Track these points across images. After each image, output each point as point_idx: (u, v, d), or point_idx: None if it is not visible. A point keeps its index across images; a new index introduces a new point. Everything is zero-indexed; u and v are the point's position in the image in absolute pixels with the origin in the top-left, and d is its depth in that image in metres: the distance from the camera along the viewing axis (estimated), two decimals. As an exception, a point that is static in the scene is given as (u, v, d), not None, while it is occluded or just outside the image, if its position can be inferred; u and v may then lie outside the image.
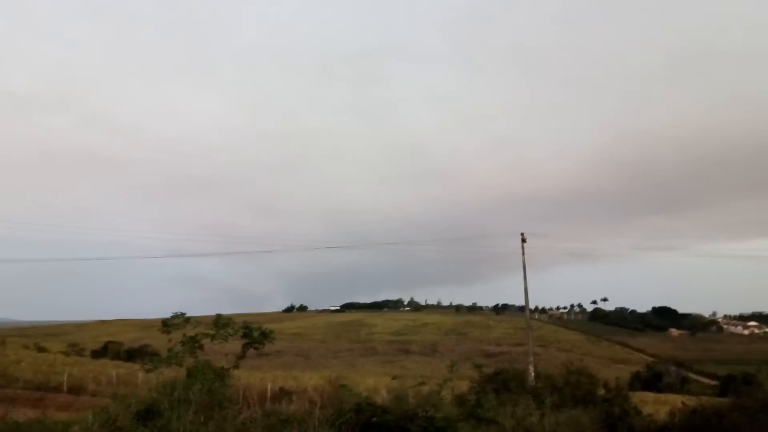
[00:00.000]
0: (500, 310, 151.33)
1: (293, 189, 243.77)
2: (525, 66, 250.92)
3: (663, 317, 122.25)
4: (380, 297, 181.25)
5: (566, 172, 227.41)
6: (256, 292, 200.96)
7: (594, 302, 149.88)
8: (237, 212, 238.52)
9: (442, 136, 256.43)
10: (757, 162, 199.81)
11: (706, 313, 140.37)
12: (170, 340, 8.16)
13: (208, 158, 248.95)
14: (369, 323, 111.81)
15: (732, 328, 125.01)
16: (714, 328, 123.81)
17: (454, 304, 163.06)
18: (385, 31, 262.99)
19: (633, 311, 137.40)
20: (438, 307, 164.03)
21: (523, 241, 65.44)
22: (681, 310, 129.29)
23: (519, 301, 64.58)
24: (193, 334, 8.42)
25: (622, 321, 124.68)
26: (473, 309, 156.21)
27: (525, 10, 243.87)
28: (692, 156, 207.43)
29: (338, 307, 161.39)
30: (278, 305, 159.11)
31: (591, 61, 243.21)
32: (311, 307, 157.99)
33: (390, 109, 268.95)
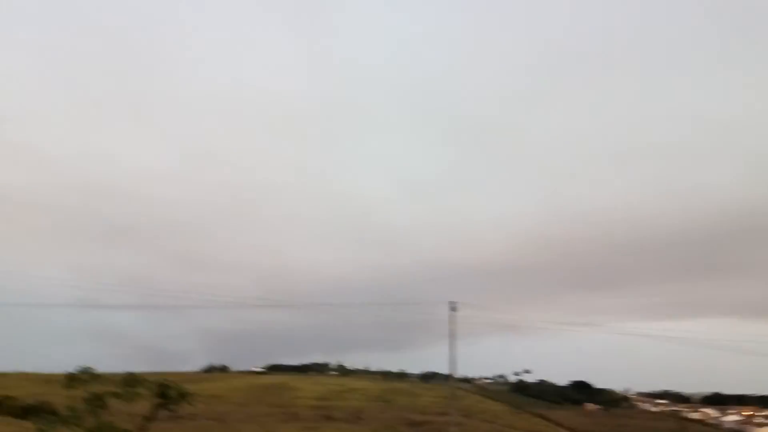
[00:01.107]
0: (428, 377, 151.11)
1: (225, 243, 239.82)
2: (470, 139, 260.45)
3: (580, 391, 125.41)
4: (307, 359, 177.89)
5: (500, 245, 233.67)
6: (175, 349, 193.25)
7: (517, 374, 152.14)
8: (161, 264, 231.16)
9: (384, 202, 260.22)
10: (671, 250, 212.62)
11: (620, 389, 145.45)
12: (73, 397, 7.89)
13: (137, 206, 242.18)
14: (293, 387, 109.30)
15: (643, 405, 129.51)
16: (626, 404, 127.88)
17: (382, 370, 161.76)
18: (337, 94, 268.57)
19: (553, 384, 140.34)
20: (366, 373, 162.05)
21: (453, 309, 67.13)
22: (597, 385, 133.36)
23: (446, 370, 65.37)
24: (98, 391, 8.18)
25: (543, 393, 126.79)
26: (401, 376, 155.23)
27: (476, 85, 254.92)
28: (616, 240, 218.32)
29: (262, 369, 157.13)
30: (198, 364, 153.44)
31: (532, 141, 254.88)
32: (234, 368, 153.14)
33: (336, 171, 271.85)
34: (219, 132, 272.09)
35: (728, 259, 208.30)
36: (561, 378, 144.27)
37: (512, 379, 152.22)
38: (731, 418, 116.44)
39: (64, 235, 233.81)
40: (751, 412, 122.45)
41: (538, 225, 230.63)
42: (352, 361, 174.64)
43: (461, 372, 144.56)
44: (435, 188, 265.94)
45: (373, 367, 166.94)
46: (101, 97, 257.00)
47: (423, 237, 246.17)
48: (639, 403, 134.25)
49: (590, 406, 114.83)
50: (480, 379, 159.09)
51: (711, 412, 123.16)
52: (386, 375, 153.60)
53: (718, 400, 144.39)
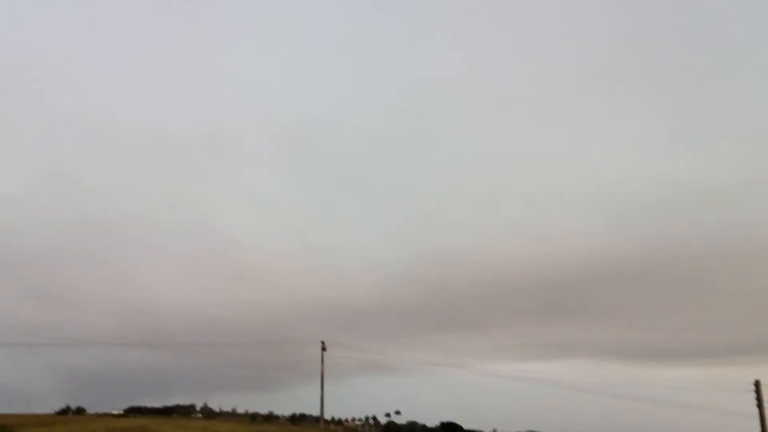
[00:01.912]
0: (297, 419, 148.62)
1: (86, 277, 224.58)
2: (344, 181, 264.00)
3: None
4: (171, 401, 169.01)
5: (373, 284, 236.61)
6: (26, 390, 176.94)
7: (388, 415, 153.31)
8: (16, 297, 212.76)
9: (256, 237, 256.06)
10: (537, 292, 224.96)
11: (487, 429, 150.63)
12: None
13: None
14: (155, 430, 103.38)
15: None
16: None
17: (250, 411, 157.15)
18: (210, 125, 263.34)
19: (423, 425, 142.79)
20: (233, 415, 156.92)
21: (324, 349, 67.18)
22: (466, 425, 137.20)
23: (316, 411, 64.83)
24: None
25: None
26: (269, 418, 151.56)
27: (350, 126, 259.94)
28: (484, 281, 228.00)
29: (122, 411, 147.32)
30: (53, 406, 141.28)
31: (405, 185, 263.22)
32: (91, 410, 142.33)
33: (207, 205, 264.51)
34: (82, 159, 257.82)
35: (590, 303, 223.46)
36: (431, 419, 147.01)
37: (383, 420, 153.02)
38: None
39: None
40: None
41: (409, 267, 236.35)
42: (218, 403, 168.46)
43: (331, 413, 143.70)
44: (307, 226, 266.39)
45: (241, 409, 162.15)
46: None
47: (294, 275, 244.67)
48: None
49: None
50: (350, 420, 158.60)
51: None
52: (254, 417, 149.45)
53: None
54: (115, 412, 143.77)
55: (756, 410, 49.38)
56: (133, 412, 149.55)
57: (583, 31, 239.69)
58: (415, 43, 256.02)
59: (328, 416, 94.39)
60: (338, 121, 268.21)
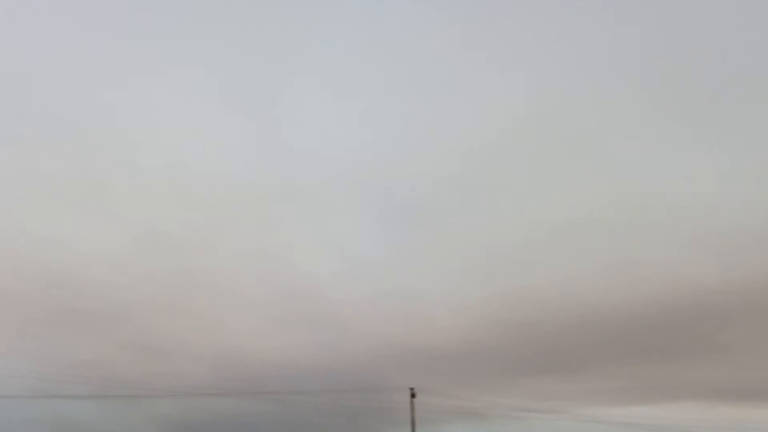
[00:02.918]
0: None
1: (180, 329, 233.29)
2: (424, 225, 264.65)
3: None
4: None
5: (457, 328, 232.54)
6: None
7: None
8: (117, 351, 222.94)
9: (337, 283, 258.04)
10: (631, 330, 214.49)
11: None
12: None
13: (93, 293, 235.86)
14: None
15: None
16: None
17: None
18: (289, 176, 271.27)
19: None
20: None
21: (413, 396, 67.01)
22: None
23: (406, 460, 64.12)
24: None
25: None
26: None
27: (426, 168, 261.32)
28: (574, 320, 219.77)
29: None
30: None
31: (483, 225, 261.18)
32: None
33: (290, 255, 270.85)
34: (172, 213, 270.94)
35: (693, 340, 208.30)
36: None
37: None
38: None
39: (17, 324, 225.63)
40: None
41: (494, 309, 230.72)
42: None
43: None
44: (384, 269, 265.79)
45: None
46: (53, 184, 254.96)
47: (380, 321, 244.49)
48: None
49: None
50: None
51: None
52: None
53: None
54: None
55: None
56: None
57: (659, 61, 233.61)
58: (490, 79, 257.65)
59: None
60: (414, 164, 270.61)
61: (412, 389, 61.85)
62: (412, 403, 60.72)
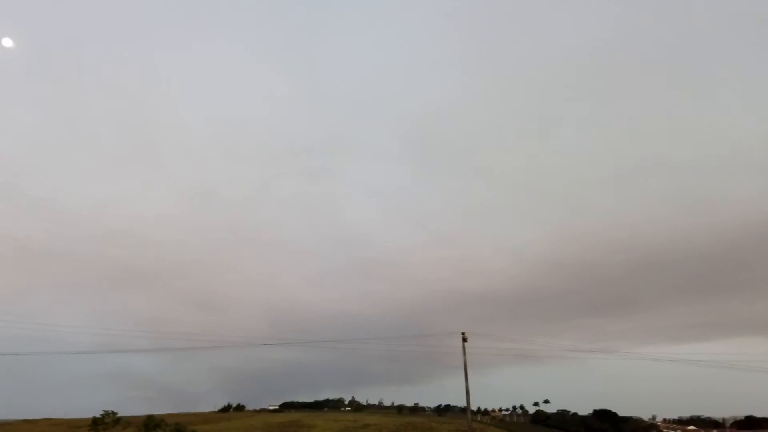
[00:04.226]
0: (443, 411, 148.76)
1: (234, 283, 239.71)
2: (471, 169, 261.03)
3: (604, 420, 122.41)
4: (321, 396, 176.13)
5: (508, 271, 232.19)
6: (191, 390, 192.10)
7: (536, 404, 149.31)
8: (175, 307, 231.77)
9: (386, 232, 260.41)
10: (691, 267, 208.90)
11: (646, 416, 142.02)
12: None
13: (150, 251, 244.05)
14: (308, 424, 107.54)
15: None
16: (654, 431, 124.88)
17: (396, 404, 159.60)
18: (334, 127, 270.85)
19: (574, 414, 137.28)
20: (380, 408, 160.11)
21: (464, 340, 65.99)
22: (621, 413, 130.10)
23: (462, 402, 64.15)
24: None
25: (564, 423, 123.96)
26: (415, 410, 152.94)
27: (473, 113, 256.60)
28: (629, 259, 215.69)
29: (277, 407, 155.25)
30: (215, 404, 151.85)
31: (534, 168, 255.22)
32: (249, 407, 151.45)
33: (336, 203, 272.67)
34: (219, 170, 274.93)
35: (754, 275, 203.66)
36: (582, 407, 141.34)
37: (531, 409, 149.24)
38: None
39: (83, 284, 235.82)
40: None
41: (546, 250, 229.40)
42: (365, 396, 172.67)
43: (477, 404, 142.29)
44: (439, 218, 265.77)
45: (387, 402, 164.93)
46: (112, 148, 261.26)
47: (430, 267, 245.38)
48: (667, 430, 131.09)
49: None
50: (497, 410, 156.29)
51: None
52: (400, 409, 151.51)
53: (751, 424, 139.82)
54: (271, 407, 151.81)
55: None
56: (287, 407, 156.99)
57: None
58: (536, 17, 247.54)
59: (473, 407, 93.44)
60: (461, 110, 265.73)
61: (463, 334, 61.10)
62: (464, 348, 59.99)
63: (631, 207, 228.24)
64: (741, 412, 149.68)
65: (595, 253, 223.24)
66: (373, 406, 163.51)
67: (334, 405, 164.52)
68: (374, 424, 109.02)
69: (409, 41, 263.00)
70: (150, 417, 45.34)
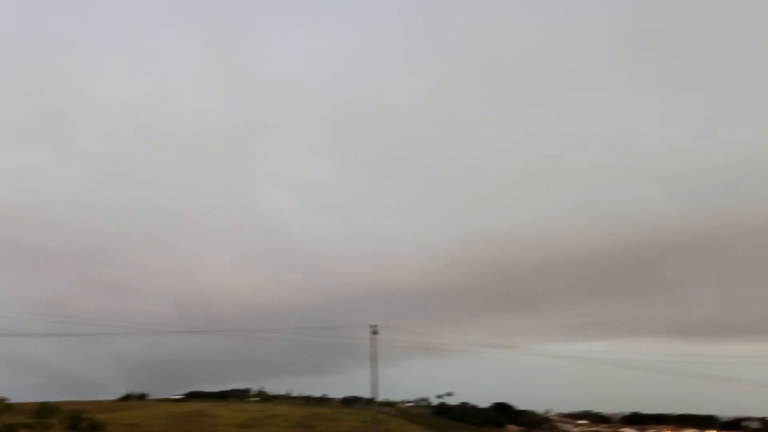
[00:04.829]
0: (350, 402, 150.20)
1: (142, 267, 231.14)
2: (392, 164, 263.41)
3: (502, 413, 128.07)
4: (228, 386, 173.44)
5: (422, 267, 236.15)
6: (92, 377, 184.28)
7: (440, 396, 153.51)
8: (79, 290, 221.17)
9: (304, 222, 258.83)
10: (591, 268, 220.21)
11: (542, 409, 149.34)
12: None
13: (56, 231, 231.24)
14: (213, 414, 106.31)
15: (564, 426, 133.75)
16: (547, 425, 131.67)
17: (304, 395, 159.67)
18: (256, 112, 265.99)
19: (475, 406, 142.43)
20: (288, 398, 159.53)
21: (374, 333, 67.34)
22: (519, 406, 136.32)
23: (369, 393, 65.33)
24: (10, 422, 8.11)
25: (465, 416, 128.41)
26: (323, 400, 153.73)
27: (398, 106, 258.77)
28: (535, 259, 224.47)
29: (182, 396, 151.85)
30: (116, 392, 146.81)
31: (453, 166, 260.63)
32: (152, 396, 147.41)
33: (253, 190, 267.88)
34: (135, 150, 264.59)
35: (648, 279, 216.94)
36: (483, 400, 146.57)
37: (435, 402, 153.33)
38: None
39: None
40: (670, 431, 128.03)
41: (459, 248, 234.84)
42: (273, 387, 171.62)
43: (384, 396, 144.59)
44: (358, 211, 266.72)
45: (295, 393, 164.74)
46: (16, 119, 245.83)
47: (346, 260, 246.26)
48: (560, 424, 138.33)
49: (512, 428, 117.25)
50: (402, 402, 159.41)
51: (630, 431, 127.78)
52: (308, 400, 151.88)
53: (637, 420, 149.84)
54: (175, 397, 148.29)
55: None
56: (192, 396, 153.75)
57: (635, 10, 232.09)
58: (463, 16, 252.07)
59: (380, 398, 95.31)
60: (386, 102, 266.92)
61: (373, 326, 62.43)
62: (372, 340, 61.33)
63: (539, 209, 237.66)
64: (628, 408, 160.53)
65: (504, 252, 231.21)
66: (282, 396, 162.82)
67: (241, 395, 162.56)
68: (281, 415, 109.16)
69: (339, 29, 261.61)
70: (43, 404, 43.55)
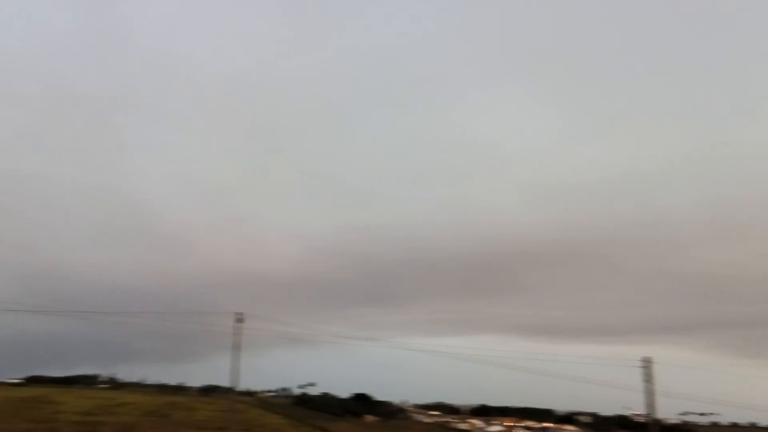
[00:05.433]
0: (208, 391, 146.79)
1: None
2: (270, 149, 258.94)
3: (360, 403, 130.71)
4: (75, 371, 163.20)
5: (294, 257, 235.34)
6: None
7: (302, 387, 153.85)
8: None
9: (172, 202, 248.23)
10: (455, 268, 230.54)
11: (398, 401, 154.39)
12: None
13: None
14: (56, 400, 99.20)
15: (417, 416, 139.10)
16: (403, 415, 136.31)
17: (159, 383, 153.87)
18: (130, 81, 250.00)
19: (336, 397, 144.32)
20: (141, 386, 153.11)
21: (239, 321, 66.13)
22: (378, 397, 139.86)
23: (229, 382, 63.90)
24: None
25: (325, 406, 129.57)
26: (180, 389, 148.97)
27: (281, 92, 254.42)
28: (405, 256, 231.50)
29: (20, 380, 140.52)
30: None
31: (333, 158, 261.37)
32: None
33: (118, 164, 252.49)
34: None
35: (505, 281, 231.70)
36: (344, 391, 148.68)
37: (296, 392, 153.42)
38: (494, 428, 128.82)
39: None
40: (512, 423, 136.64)
41: (334, 239, 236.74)
42: (126, 374, 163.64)
43: (245, 385, 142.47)
44: (231, 195, 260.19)
45: (150, 380, 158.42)
46: None
47: (215, 244, 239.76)
48: (414, 415, 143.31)
49: (369, 418, 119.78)
50: (263, 392, 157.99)
51: (477, 422, 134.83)
52: (163, 388, 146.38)
53: (483, 412, 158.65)
54: (12, 381, 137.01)
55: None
56: (33, 381, 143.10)
57: (510, 23, 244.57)
58: (353, 11, 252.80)
59: (241, 388, 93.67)
60: (269, 87, 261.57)
61: (239, 314, 61.20)
62: (237, 328, 60.15)
63: (414, 208, 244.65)
64: (477, 401, 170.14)
65: (377, 247, 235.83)
66: (134, 384, 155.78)
67: (88, 381, 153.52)
68: (132, 403, 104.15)
69: (227, 5, 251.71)
70: None
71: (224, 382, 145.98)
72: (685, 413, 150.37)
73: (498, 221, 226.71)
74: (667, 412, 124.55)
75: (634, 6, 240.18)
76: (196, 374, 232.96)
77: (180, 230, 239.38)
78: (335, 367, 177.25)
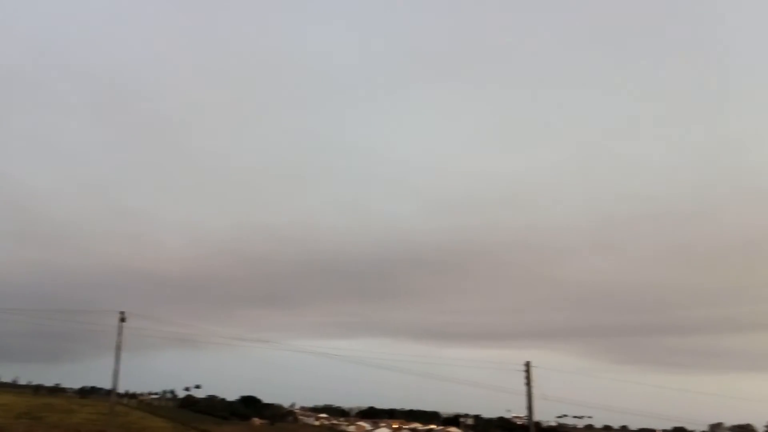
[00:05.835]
0: (87, 393, 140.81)
1: None
2: (164, 144, 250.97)
3: (248, 406, 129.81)
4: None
5: (186, 256, 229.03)
6: None
7: (187, 389, 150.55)
8: None
9: (55, 194, 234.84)
10: (350, 272, 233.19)
11: (287, 403, 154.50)
12: None
13: None
14: None
15: (306, 419, 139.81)
16: (291, 418, 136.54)
17: (33, 383, 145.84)
18: (13, 62, 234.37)
19: (223, 399, 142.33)
20: (14, 386, 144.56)
21: (122, 320, 64.89)
22: (266, 400, 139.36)
23: (109, 384, 61.89)
24: None
25: (211, 409, 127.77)
26: (56, 390, 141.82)
27: (174, 85, 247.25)
28: (300, 258, 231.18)
29: None
30: None
31: (229, 156, 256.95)
32: None
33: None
34: None
35: (397, 285, 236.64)
36: (232, 393, 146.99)
37: (181, 394, 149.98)
38: (382, 430, 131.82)
39: None
40: (399, 425, 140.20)
41: (226, 238, 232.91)
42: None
43: (128, 387, 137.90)
44: (119, 189, 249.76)
45: (24, 381, 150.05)
46: None
47: (100, 240, 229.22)
48: (303, 417, 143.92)
49: (257, 421, 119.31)
50: (146, 394, 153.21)
51: (365, 424, 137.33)
52: (38, 389, 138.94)
53: (371, 414, 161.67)
54: None
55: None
56: None
57: (408, 26, 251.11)
58: (241, 11, 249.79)
59: (122, 390, 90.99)
60: (161, 79, 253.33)
61: (122, 313, 59.81)
62: (120, 327, 58.84)
63: (310, 210, 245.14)
64: (365, 403, 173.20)
65: (272, 247, 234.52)
66: (6, 384, 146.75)
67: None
68: (3, 404, 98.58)
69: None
70: None
71: (105, 383, 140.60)
72: (562, 416, 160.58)
73: (393, 227, 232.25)
74: (546, 414, 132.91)
75: (541, 21, 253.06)
76: (74, 375, 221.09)
77: (64, 224, 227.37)
78: (223, 369, 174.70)
